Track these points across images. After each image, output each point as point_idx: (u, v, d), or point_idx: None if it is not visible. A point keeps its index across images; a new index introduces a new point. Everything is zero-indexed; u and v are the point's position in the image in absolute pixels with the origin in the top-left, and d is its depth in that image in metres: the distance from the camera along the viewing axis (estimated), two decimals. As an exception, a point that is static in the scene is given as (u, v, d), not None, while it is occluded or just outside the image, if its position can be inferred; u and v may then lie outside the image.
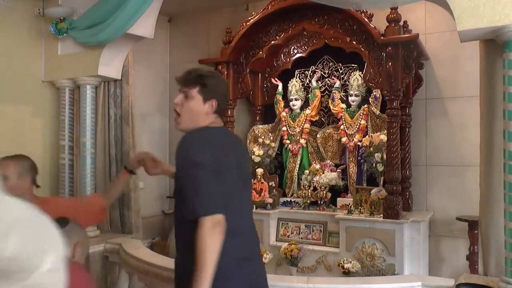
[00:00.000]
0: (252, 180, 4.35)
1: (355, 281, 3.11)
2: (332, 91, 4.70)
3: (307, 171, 4.61)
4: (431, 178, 4.46)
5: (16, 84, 3.99)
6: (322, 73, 4.90)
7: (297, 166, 4.83)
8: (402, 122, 4.18)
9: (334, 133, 4.74)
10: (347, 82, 4.69)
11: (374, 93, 4.41)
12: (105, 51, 3.83)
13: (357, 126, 4.49)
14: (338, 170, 4.52)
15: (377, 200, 3.98)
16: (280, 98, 4.99)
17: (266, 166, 4.84)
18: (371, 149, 4.20)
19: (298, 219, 4.45)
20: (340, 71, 4.82)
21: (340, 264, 3.89)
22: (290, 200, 4.68)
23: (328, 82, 4.83)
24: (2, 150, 2.76)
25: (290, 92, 4.89)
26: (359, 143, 4.44)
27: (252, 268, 1.95)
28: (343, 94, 4.70)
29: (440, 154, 4.41)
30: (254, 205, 4.25)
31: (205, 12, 5.61)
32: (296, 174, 4.81)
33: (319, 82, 4.87)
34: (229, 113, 4.77)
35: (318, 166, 4.58)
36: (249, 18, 4.61)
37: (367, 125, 4.48)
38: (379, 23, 4.02)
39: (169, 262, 2.75)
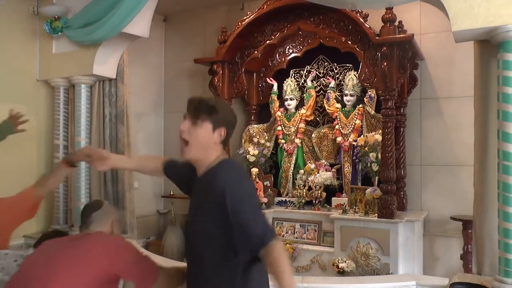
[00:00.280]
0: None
1: (350, 280, 3.12)
2: (327, 91, 4.71)
3: (302, 171, 4.62)
4: (426, 177, 4.48)
5: (11, 83, 3.95)
6: (317, 72, 4.91)
7: (292, 165, 4.84)
8: (397, 122, 4.19)
9: (329, 133, 4.75)
10: (342, 82, 4.69)
11: (369, 93, 4.42)
12: (100, 50, 3.81)
13: (352, 126, 4.50)
14: (333, 170, 4.53)
15: (372, 200, 4.00)
16: (275, 98, 4.99)
17: (261, 166, 4.84)
18: (366, 148, 4.21)
19: (293, 218, 4.47)
20: (335, 71, 4.83)
21: (335, 264, 3.90)
22: (285, 200, 4.69)
23: (323, 82, 4.84)
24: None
25: (285, 91, 4.89)
26: (354, 143, 4.45)
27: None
28: (338, 94, 4.71)
29: (435, 154, 4.43)
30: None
31: (201, 11, 5.60)
32: (291, 173, 4.82)
33: (314, 82, 4.88)
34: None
35: (313, 166, 4.59)
36: (245, 18, 4.62)
37: (362, 125, 4.49)
38: (374, 23, 4.03)
39: (164, 262, 2.74)
